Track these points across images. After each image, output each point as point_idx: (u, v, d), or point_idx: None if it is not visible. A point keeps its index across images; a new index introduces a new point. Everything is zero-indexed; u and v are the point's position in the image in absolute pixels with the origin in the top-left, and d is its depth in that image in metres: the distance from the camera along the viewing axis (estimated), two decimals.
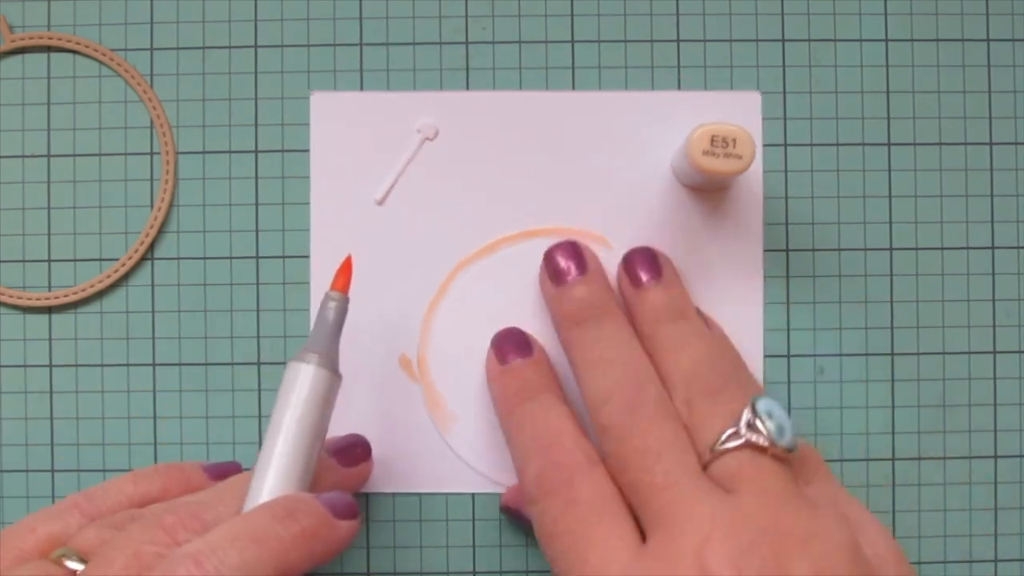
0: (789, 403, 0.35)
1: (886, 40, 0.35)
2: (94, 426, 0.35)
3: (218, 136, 0.35)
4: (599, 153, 0.35)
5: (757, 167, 0.34)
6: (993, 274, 0.35)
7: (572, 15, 0.35)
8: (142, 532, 0.26)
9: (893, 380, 0.35)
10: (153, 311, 0.35)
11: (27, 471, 0.34)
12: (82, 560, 0.26)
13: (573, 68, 0.35)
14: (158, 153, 0.35)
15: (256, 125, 0.35)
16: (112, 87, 0.35)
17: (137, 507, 0.29)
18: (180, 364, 0.35)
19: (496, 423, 0.33)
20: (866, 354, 0.35)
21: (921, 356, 0.35)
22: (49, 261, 0.35)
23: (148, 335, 0.35)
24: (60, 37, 0.35)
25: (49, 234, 0.35)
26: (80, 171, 0.35)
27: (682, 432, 0.28)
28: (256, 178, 0.35)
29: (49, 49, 0.35)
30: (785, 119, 0.35)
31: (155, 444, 0.35)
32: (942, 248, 0.35)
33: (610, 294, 0.32)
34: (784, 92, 0.35)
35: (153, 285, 0.35)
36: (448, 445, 0.34)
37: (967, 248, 0.35)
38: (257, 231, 0.35)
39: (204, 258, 0.35)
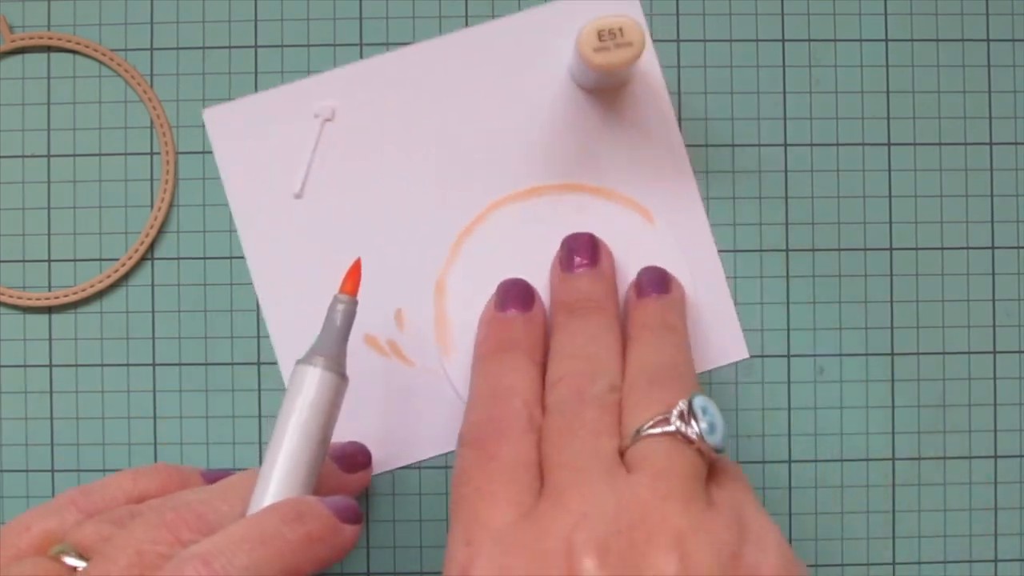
0: (789, 403, 0.35)
1: (886, 40, 0.35)
2: (94, 426, 0.35)
3: None
4: (493, 89, 0.35)
5: (651, 58, 0.34)
6: (993, 274, 0.35)
7: None
8: (144, 530, 0.26)
9: (893, 380, 0.35)
10: (153, 311, 0.35)
11: (27, 471, 0.34)
12: (80, 556, 0.26)
13: None
14: (158, 153, 0.35)
15: None
16: (112, 87, 0.35)
17: (135, 504, 0.29)
18: (180, 364, 0.35)
19: None
20: (866, 354, 0.35)
21: (921, 356, 0.35)
22: (49, 261, 0.35)
23: (148, 335, 0.35)
24: (60, 37, 0.35)
25: (49, 234, 0.35)
26: (80, 171, 0.35)
27: (607, 417, 0.28)
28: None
29: (49, 49, 0.35)
30: (785, 119, 0.35)
31: (155, 444, 0.35)
32: (942, 248, 0.35)
33: (610, 292, 0.32)
34: (784, 92, 0.35)
35: (153, 285, 0.35)
36: (443, 367, 0.34)
37: (967, 248, 0.35)
38: None
39: (204, 258, 0.35)
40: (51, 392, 0.35)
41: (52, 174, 0.35)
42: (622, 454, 0.27)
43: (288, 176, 0.35)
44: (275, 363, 0.35)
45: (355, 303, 0.30)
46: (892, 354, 0.35)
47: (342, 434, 0.32)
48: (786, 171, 0.35)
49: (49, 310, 0.35)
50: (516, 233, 0.35)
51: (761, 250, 0.35)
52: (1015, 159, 0.35)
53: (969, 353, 0.35)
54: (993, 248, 0.35)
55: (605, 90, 0.34)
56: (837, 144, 0.35)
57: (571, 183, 0.35)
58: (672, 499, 0.25)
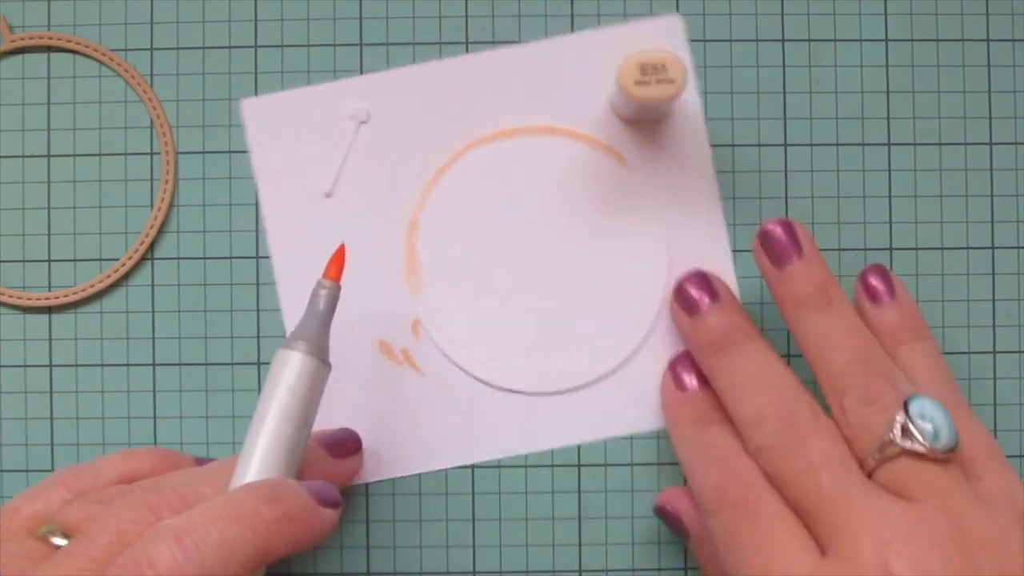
0: None
1: (886, 40, 0.35)
2: (94, 426, 0.35)
3: (218, 136, 0.35)
4: (533, 103, 0.35)
5: (694, 98, 0.34)
6: (993, 274, 0.35)
7: (572, 15, 0.35)
8: (127, 510, 0.26)
9: None
10: (153, 311, 0.35)
11: (27, 471, 0.34)
12: (65, 536, 0.26)
13: None
14: (158, 153, 0.35)
15: None
16: (112, 87, 0.35)
17: (126, 484, 0.29)
18: (180, 364, 0.35)
19: (462, 294, 0.34)
20: None
21: None
22: (49, 261, 0.35)
23: (148, 335, 0.35)
24: (60, 37, 0.35)
25: (49, 234, 0.35)
26: (80, 171, 0.35)
27: (840, 443, 0.28)
28: (256, 178, 0.35)
29: (49, 49, 0.35)
30: (785, 119, 0.35)
31: (155, 444, 0.34)
32: (942, 248, 0.35)
33: (746, 317, 0.32)
34: (784, 92, 0.35)
35: (153, 285, 0.35)
36: (414, 304, 0.34)
37: (967, 248, 0.35)
38: (257, 231, 0.35)
39: (204, 258, 0.35)
40: (51, 392, 0.35)
41: (52, 174, 0.35)
42: (869, 474, 0.28)
43: (319, 174, 0.35)
44: None
45: (338, 288, 0.30)
46: None
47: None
48: (786, 171, 0.35)
49: (49, 310, 0.35)
50: (492, 174, 0.34)
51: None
52: (1015, 159, 0.35)
53: (969, 353, 0.35)
54: (993, 248, 0.35)
55: (643, 122, 0.34)
56: (837, 144, 0.35)
57: (555, 126, 0.35)
58: (955, 513, 0.26)
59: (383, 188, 0.35)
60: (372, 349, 0.34)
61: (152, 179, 0.35)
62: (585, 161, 0.34)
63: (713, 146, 0.35)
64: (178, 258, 0.35)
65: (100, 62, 0.35)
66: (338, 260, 0.30)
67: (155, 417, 0.35)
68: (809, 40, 0.35)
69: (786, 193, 0.35)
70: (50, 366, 0.35)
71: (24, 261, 0.35)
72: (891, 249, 0.35)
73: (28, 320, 0.35)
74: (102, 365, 0.35)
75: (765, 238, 0.32)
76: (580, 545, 0.35)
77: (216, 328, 0.35)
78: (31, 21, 0.35)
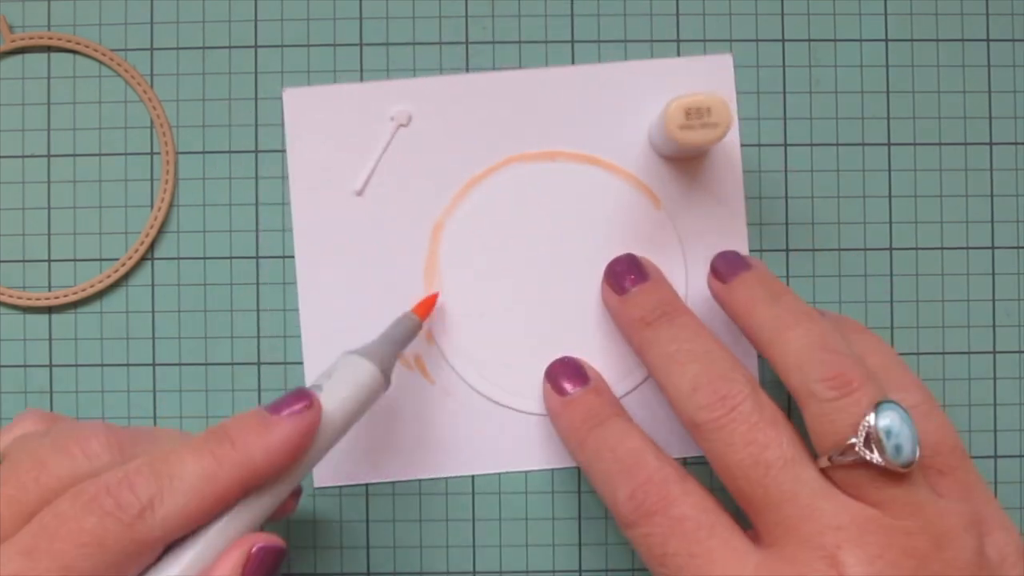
0: (788, 404, 0.35)
1: (886, 40, 0.35)
2: None
3: (218, 136, 0.35)
4: (574, 129, 0.35)
5: (734, 136, 0.35)
6: (993, 274, 0.35)
7: (572, 15, 0.35)
8: (55, 439, 0.25)
9: None
10: (153, 311, 0.35)
11: None
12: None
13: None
14: (158, 153, 0.35)
15: (256, 125, 0.35)
16: (112, 87, 0.35)
17: None
18: (180, 364, 0.35)
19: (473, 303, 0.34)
20: None
21: (921, 356, 0.35)
22: (49, 261, 0.35)
23: (148, 335, 0.35)
24: (60, 37, 0.35)
25: (49, 234, 0.35)
26: (80, 171, 0.35)
27: (787, 430, 0.27)
28: (256, 178, 0.35)
29: (49, 49, 0.35)
30: (785, 119, 0.35)
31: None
32: (942, 248, 0.35)
33: (676, 295, 0.32)
34: (784, 92, 0.35)
35: (153, 285, 0.35)
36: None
37: (967, 248, 0.35)
38: (257, 231, 0.35)
39: (204, 258, 0.35)
40: (51, 392, 0.35)
41: (52, 174, 0.35)
42: (822, 469, 0.27)
43: (352, 171, 0.35)
44: (275, 363, 0.35)
45: (420, 326, 0.32)
46: None
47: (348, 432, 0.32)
48: (786, 171, 0.35)
49: (49, 310, 0.35)
50: (525, 192, 0.34)
51: (761, 250, 0.35)
52: (1015, 159, 0.35)
53: (969, 353, 0.35)
54: (993, 248, 0.35)
55: (680, 159, 0.34)
56: (837, 144, 0.35)
57: (600, 157, 0.35)
58: (908, 516, 0.26)
59: (414, 191, 0.35)
60: None
61: (152, 179, 0.35)
62: (620, 197, 0.34)
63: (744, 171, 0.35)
64: (178, 258, 0.35)
65: (100, 62, 0.35)
66: (428, 304, 0.33)
67: (155, 417, 0.35)
68: (809, 40, 0.35)
69: (786, 193, 0.35)
70: (50, 366, 0.35)
71: (24, 261, 0.35)
72: (891, 249, 0.35)
73: (28, 320, 0.35)
74: (102, 365, 0.35)
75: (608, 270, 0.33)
76: (580, 545, 0.35)
77: (216, 328, 0.35)
78: (31, 21, 0.35)
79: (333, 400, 0.28)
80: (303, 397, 0.27)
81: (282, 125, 0.35)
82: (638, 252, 0.34)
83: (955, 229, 0.35)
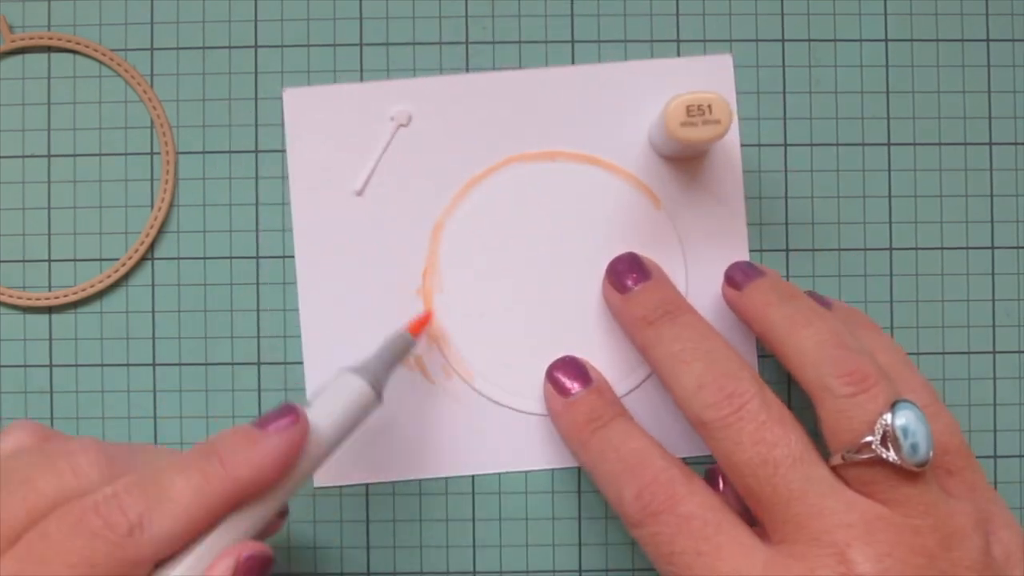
0: (790, 403, 0.35)
1: (886, 40, 0.35)
2: (94, 426, 0.35)
3: (218, 136, 0.35)
4: (574, 129, 0.35)
5: (734, 136, 0.35)
6: (993, 274, 0.35)
7: (572, 15, 0.35)
8: (43, 457, 0.25)
9: None
10: (153, 311, 0.35)
11: None
12: None
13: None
14: (158, 153, 0.35)
15: (256, 125, 0.35)
16: (112, 87, 0.35)
17: None
18: (180, 364, 0.35)
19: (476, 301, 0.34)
20: None
21: (921, 356, 0.35)
22: (49, 261, 0.35)
23: (148, 335, 0.35)
24: (60, 37, 0.35)
25: (49, 234, 0.35)
26: (80, 171, 0.35)
27: (795, 429, 0.27)
28: (256, 178, 0.35)
29: (49, 49, 0.35)
30: (785, 119, 0.35)
31: (155, 444, 0.34)
32: (942, 248, 0.35)
33: (678, 293, 0.32)
34: (784, 92, 0.35)
35: (153, 285, 0.35)
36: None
37: (967, 248, 0.35)
38: (257, 231, 0.35)
39: (204, 258, 0.35)
40: (51, 392, 0.35)
41: (52, 174, 0.35)
42: (834, 466, 0.27)
43: (352, 171, 0.35)
44: (275, 363, 0.35)
45: (413, 344, 0.32)
46: None
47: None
48: (786, 171, 0.35)
49: (49, 310, 0.35)
50: (525, 192, 0.34)
51: (761, 250, 0.35)
52: (1015, 159, 0.35)
53: (969, 353, 0.35)
54: (993, 248, 0.35)
55: (680, 158, 0.34)
56: (837, 144, 0.35)
57: (600, 158, 0.35)
58: (918, 515, 0.26)
59: (414, 191, 0.35)
60: None
61: (152, 179, 0.35)
62: (620, 197, 0.34)
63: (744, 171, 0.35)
64: (178, 258, 0.35)
65: (100, 62, 0.35)
66: (423, 322, 0.33)
67: (155, 417, 0.35)
68: (809, 40, 0.35)
69: (786, 193, 0.35)
70: (50, 366, 0.35)
71: (24, 261, 0.35)
72: (891, 249, 0.35)
73: (28, 320, 0.35)
74: (102, 365, 0.35)
75: (611, 268, 0.33)
76: (580, 545, 0.35)
77: (216, 328, 0.35)
78: (31, 21, 0.35)
79: (322, 416, 0.28)
80: (289, 412, 0.27)
81: (282, 125, 0.35)
82: (638, 252, 0.34)
83: (955, 229, 0.35)
